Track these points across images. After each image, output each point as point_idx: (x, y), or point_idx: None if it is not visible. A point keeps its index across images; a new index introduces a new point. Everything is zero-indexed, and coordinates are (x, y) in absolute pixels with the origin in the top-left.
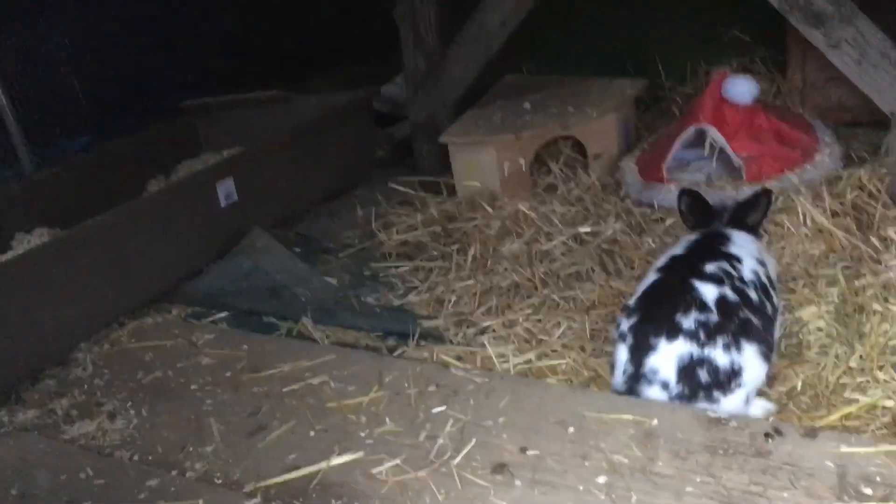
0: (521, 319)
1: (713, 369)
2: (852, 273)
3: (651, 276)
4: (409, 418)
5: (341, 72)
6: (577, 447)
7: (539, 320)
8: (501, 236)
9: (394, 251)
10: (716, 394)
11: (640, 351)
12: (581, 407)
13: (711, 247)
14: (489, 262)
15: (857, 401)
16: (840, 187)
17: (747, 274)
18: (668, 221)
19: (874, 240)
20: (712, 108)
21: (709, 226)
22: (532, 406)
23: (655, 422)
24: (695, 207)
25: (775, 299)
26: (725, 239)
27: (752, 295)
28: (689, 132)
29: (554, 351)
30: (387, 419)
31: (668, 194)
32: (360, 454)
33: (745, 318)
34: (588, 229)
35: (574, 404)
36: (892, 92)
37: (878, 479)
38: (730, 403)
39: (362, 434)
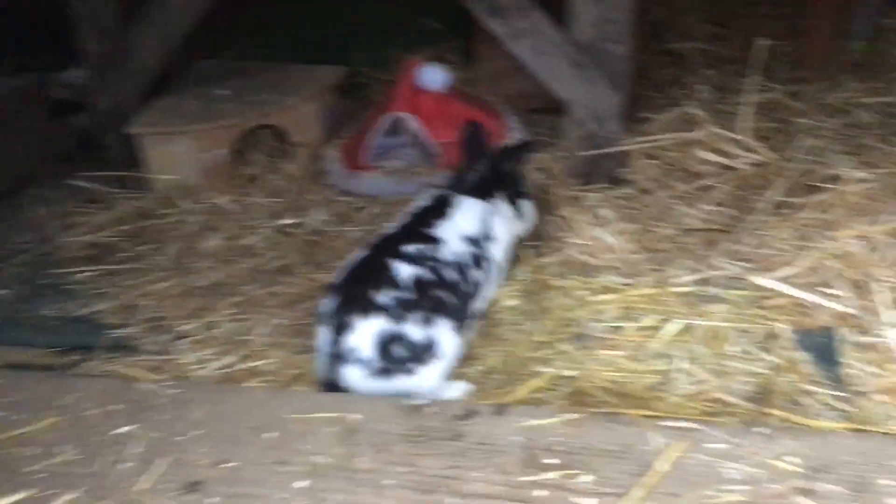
0: (222, 320)
1: (408, 344)
2: (538, 251)
3: (356, 254)
4: (90, 443)
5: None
6: (277, 453)
7: (242, 320)
8: (201, 232)
9: (78, 255)
10: (412, 366)
11: (339, 330)
12: (282, 409)
13: (422, 223)
14: (188, 261)
15: (542, 374)
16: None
17: (447, 255)
18: (373, 209)
19: (555, 219)
20: (407, 96)
21: (479, 160)
22: (231, 414)
23: (357, 416)
24: (472, 139)
25: (479, 275)
26: (442, 214)
27: (450, 275)
28: (387, 120)
29: (257, 351)
30: (63, 448)
31: (370, 182)
32: (28, 493)
33: (438, 297)
34: (292, 221)
35: (275, 407)
36: (564, 80)
37: (559, 448)
38: (427, 376)
39: (33, 468)
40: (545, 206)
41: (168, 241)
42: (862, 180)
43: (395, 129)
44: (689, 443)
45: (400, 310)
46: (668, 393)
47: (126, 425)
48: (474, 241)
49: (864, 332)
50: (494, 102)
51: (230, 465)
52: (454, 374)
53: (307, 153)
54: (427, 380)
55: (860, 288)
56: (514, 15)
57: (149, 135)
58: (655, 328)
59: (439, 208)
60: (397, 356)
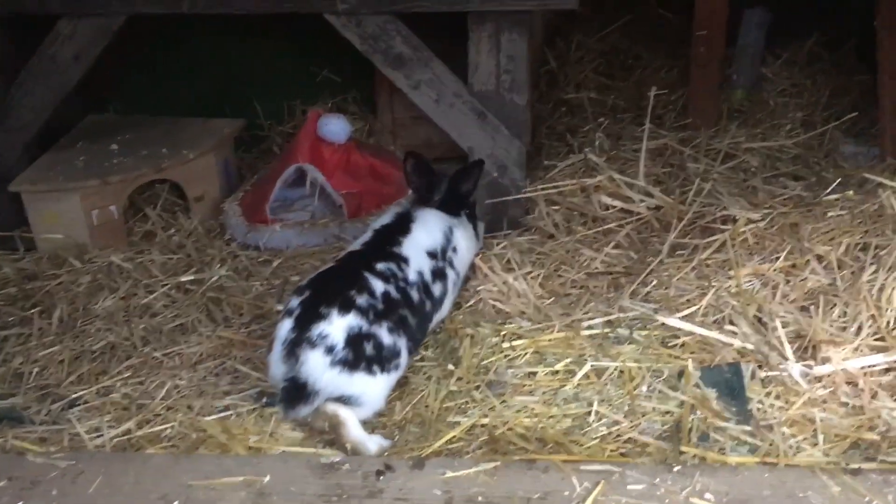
0: (118, 385)
1: (378, 345)
2: None
3: (327, 265)
4: None
5: None
6: None
7: (140, 383)
8: (93, 293)
9: None
10: (375, 368)
11: (308, 319)
12: (187, 476)
13: (387, 243)
14: (79, 324)
15: (458, 423)
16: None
17: (412, 276)
18: (276, 263)
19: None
20: (309, 147)
21: (431, 190)
22: (129, 485)
23: (267, 479)
24: (418, 170)
25: (439, 292)
26: (406, 230)
27: (414, 295)
28: (290, 171)
29: (157, 415)
30: None
31: (273, 235)
32: None
33: (403, 315)
34: (191, 277)
35: (179, 474)
36: (467, 129)
37: (480, 498)
38: (377, 385)
39: None
40: None
41: (57, 303)
42: (752, 221)
43: (297, 180)
44: (608, 485)
45: (373, 314)
46: (584, 436)
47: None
48: (436, 255)
49: (766, 367)
50: (397, 152)
51: None
52: (366, 428)
53: (207, 207)
54: (374, 390)
55: (759, 324)
56: (415, 66)
57: (33, 193)
58: (568, 372)
59: (399, 226)
60: (365, 353)
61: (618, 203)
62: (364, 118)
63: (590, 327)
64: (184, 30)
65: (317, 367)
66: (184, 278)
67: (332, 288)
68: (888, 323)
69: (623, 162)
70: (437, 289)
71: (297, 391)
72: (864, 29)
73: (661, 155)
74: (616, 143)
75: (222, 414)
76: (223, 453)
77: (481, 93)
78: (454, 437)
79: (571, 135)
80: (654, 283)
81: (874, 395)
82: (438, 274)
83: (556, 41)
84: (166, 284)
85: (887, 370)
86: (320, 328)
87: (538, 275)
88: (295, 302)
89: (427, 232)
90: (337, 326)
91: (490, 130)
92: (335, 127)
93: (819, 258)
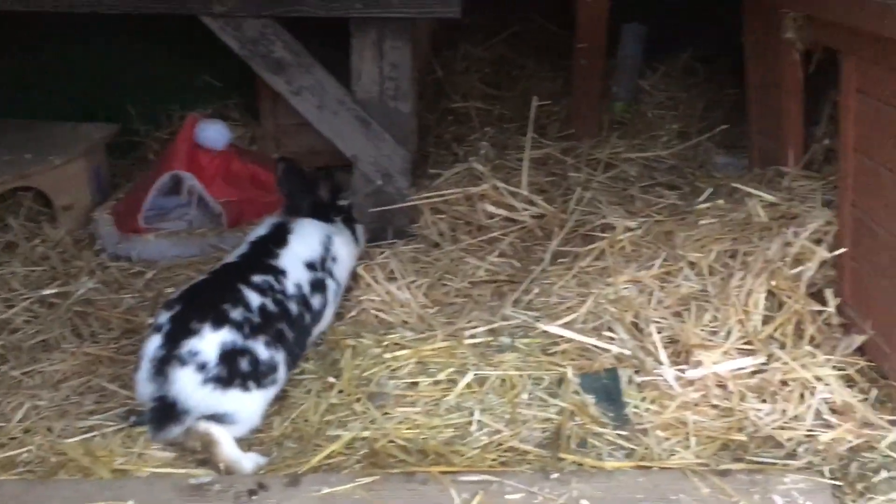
0: None
1: (254, 360)
2: None
3: (200, 277)
4: None
5: None
6: None
7: None
8: None
9: None
10: (250, 384)
11: (177, 336)
12: (43, 503)
13: (264, 255)
14: None
15: (338, 437)
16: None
17: (290, 288)
18: (149, 274)
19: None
20: (187, 153)
21: (303, 197)
22: None
23: (131, 503)
24: (289, 176)
25: (318, 304)
26: (283, 242)
27: (292, 308)
28: (165, 179)
29: (12, 439)
30: None
31: (146, 245)
32: None
33: (280, 329)
34: (56, 290)
35: (33, 502)
36: (350, 137)
37: None
38: (253, 402)
39: None
40: None
41: None
42: (630, 229)
43: (174, 188)
44: (487, 496)
45: (249, 329)
46: (465, 446)
47: None
48: (317, 266)
49: (642, 371)
50: None
51: None
52: (242, 445)
53: (75, 216)
54: (249, 407)
55: (636, 330)
56: (297, 72)
57: None
58: (450, 381)
59: (276, 237)
60: (240, 369)
61: (502, 212)
62: (246, 124)
63: (472, 336)
64: (54, 29)
65: (187, 385)
66: (47, 291)
67: (204, 302)
68: (755, 327)
69: (507, 171)
70: (316, 301)
71: (166, 411)
72: (737, 45)
73: (544, 164)
74: (501, 153)
75: (86, 435)
76: (85, 477)
77: (365, 100)
78: (333, 451)
79: (457, 144)
80: (537, 290)
81: (742, 397)
82: (318, 285)
83: (442, 51)
84: (28, 298)
85: (754, 373)
86: (191, 344)
87: (422, 284)
88: (164, 317)
89: (305, 243)
90: (209, 342)
91: (374, 138)
92: (213, 133)
93: (692, 265)
